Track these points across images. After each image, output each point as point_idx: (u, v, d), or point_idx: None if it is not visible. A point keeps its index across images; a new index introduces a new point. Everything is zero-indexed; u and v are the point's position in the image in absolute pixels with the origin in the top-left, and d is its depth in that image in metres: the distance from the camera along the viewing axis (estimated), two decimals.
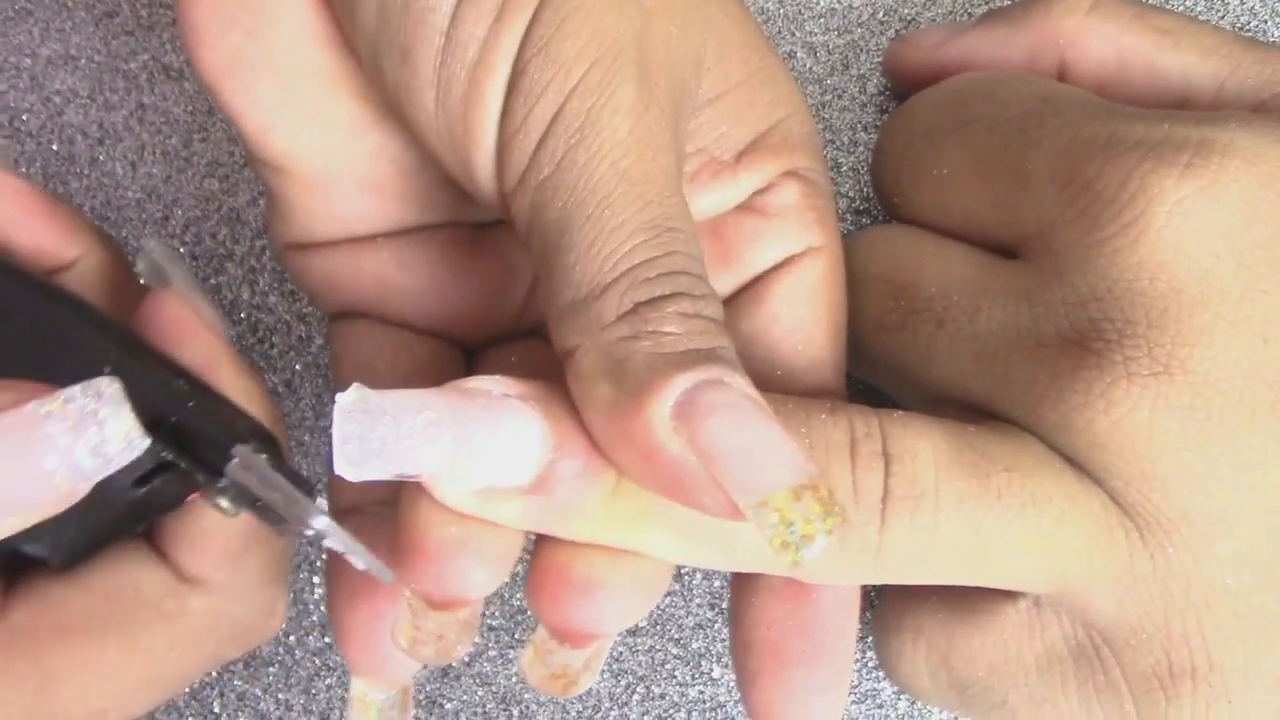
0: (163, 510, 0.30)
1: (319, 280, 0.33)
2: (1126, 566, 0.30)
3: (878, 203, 0.40)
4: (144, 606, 0.29)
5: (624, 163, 0.26)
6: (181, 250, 0.40)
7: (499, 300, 0.34)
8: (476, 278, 0.33)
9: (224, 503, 0.28)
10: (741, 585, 0.31)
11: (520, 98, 0.26)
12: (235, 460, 0.27)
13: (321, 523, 0.27)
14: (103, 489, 0.27)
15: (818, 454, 0.28)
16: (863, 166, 0.40)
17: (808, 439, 0.28)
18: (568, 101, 0.26)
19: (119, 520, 0.29)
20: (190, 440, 0.28)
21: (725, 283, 0.33)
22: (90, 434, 0.25)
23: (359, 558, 0.27)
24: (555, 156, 0.26)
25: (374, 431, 0.25)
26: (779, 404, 0.29)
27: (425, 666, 0.39)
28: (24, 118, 0.41)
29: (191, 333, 0.30)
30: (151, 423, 0.26)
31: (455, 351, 0.34)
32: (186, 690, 0.40)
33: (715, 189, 0.32)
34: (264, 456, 0.28)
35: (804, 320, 0.32)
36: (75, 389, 0.25)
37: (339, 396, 0.26)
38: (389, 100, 0.29)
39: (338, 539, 0.27)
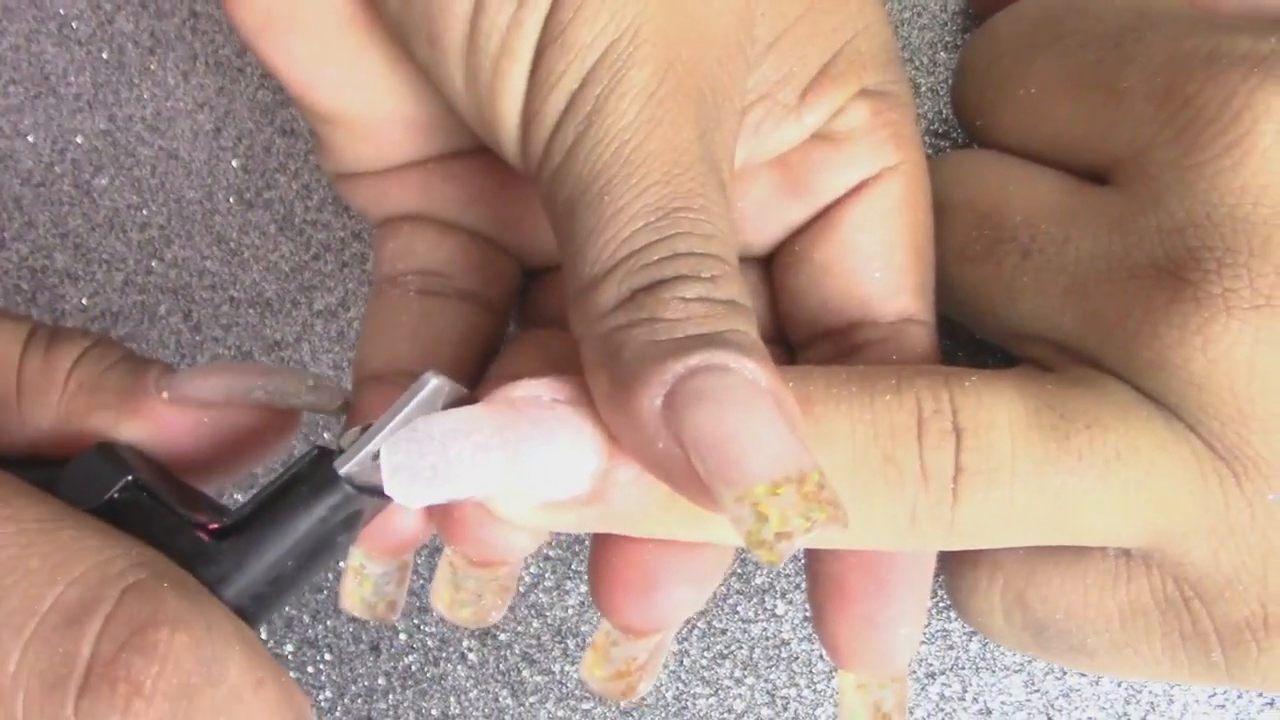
0: None
1: (366, 198, 0.33)
2: (1222, 515, 0.28)
3: (958, 125, 0.38)
4: None
5: (628, 147, 0.26)
6: (234, 163, 0.39)
7: (536, 222, 0.33)
8: (517, 195, 0.33)
9: None
10: None
11: (537, 87, 0.26)
12: None
13: None
14: None
15: (882, 440, 0.27)
16: (942, 88, 0.39)
17: (872, 425, 0.27)
18: (581, 89, 0.26)
19: None
20: None
21: (796, 213, 0.32)
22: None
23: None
24: (565, 144, 0.26)
25: (423, 460, 0.25)
26: (840, 385, 0.28)
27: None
28: (74, 25, 0.40)
29: None
30: None
31: (503, 257, 0.34)
32: None
33: (780, 131, 0.31)
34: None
35: (881, 246, 0.31)
36: None
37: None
38: (420, 69, 0.29)
39: None
